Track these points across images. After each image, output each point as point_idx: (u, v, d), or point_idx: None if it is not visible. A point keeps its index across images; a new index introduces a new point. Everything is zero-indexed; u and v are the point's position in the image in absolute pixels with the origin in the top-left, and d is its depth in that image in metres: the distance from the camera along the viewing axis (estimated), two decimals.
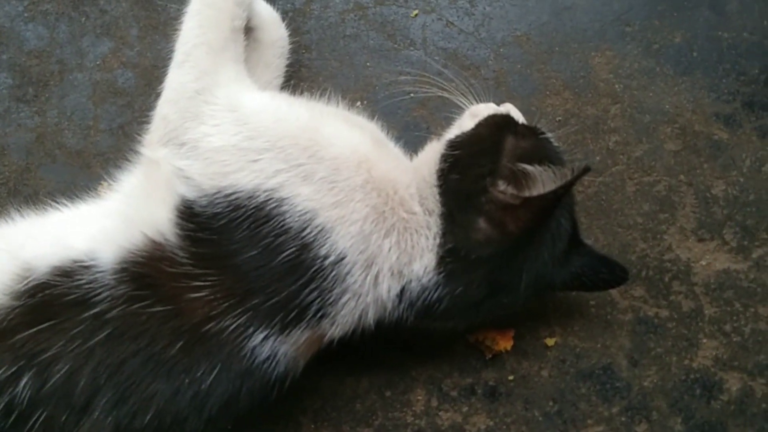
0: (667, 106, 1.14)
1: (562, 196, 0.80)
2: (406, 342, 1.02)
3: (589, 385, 1.06)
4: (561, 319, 1.07)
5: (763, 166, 1.12)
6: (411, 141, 1.05)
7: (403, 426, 1.03)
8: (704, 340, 1.07)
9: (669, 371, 1.06)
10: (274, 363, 0.84)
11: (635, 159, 1.12)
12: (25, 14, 1.12)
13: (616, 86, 1.14)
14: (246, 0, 0.98)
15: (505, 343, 1.04)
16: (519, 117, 1.00)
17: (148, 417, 0.79)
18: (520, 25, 1.15)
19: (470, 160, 0.88)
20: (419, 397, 1.05)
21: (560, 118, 1.12)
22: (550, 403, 1.05)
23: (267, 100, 0.90)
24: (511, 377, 1.05)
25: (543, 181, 0.80)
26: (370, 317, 0.87)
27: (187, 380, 0.80)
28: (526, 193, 0.80)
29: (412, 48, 1.13)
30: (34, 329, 0.78)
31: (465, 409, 1.04)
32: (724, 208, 1.11)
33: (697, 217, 1.11)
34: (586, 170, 0.77)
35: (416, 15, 1.14)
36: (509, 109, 1.02)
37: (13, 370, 0.77)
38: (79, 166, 1.08)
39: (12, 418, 0.77)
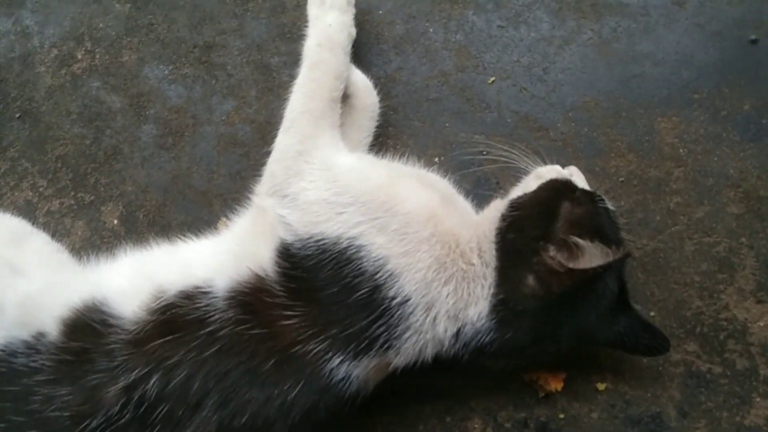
0: (731, 171, 1.19)
1: (602, 273, 0.91)
2: (466, 376, 1.15)
3: (638, 431, 1.13)
4: (612, 365, 1.15)
5: None
6: (481, 196, 1.19)
7: None
8: (757, 399, 1.11)
9: (719, 426, 1.11)
10: (347, 383, 0.99)
11: (696, 220, 1.18)
12: (170, 77, 1.37)
13: (681, 150, 1.21)
14: (344, 74, 1.17)
15: (556, 384, 1.14)
16: (581, 180, 1.11)
17: (244, 418, 0.97)
18: (589, 91, 1.25)
19: (527, 221, 1.00)
20: (476, 426, 1.17)
21: (623, 179, 1.21)
22: None
23: (354, 162, 1.07)
24: (561, 415, 1.15)
25: (590, 255, 0.91)
26: (429, 352, 1.01)
27: (276, 391, 0.97)
28: (572, 264, 0.91)
29: (487, 111, 1.26)
30: (163, 340, 0.99)
31: None
32: None
33: (756, 279, 1.15)
34: (626, 256, 0.89)
35: (493, 81, 1.27)
36: (573, 172, 1.12)
37: (146, 370, 0.97)
38: (203, 204, 1.31)
39: (142, 408, 0.97)
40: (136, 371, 0.97)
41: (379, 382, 1.06)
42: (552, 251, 0.95)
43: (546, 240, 0.96)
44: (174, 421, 0.97)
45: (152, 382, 0.97)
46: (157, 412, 0.96)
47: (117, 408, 0.96)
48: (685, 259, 1.17)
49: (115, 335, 1.01)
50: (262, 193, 1.10)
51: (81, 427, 0.97)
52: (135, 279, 1.08)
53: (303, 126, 1.11)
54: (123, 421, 0.97)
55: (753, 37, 1.22)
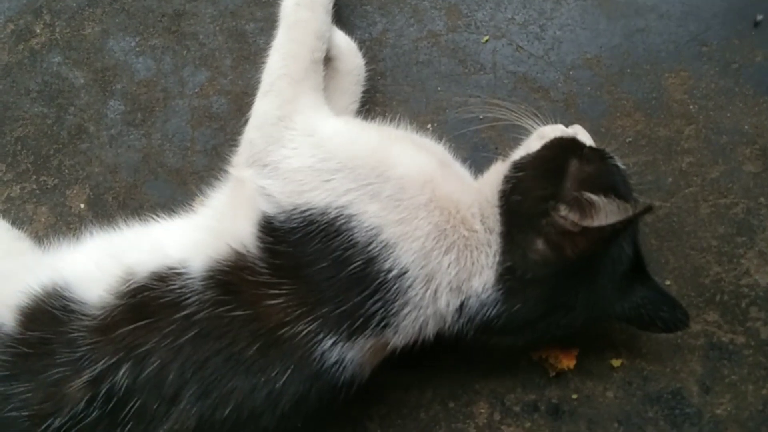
0: (746, 127, 1.11)
1: (621, 231, 0.81)
2: (470, 357, 1.06)
3: (657, 409, 1.04)
4: (627, 341, 1.07)
5: None
6: (479, 162, 1.09)
7: None
8: None
9: (744, 400, 1.03)
10: (341, 368, 0.90)
11: (710, 181, 1.10)
12: (137, 49, 1.27)
13: (691, 107, 1.12)
14: (325, 34, 1.07)
15: (568, 362, 1.05)
16: (587, 139, 1.02)
17: (227, 410, 0.87)
18: (591, 48, 1.16)
19: (533, 182, 0.91)
20: (482, 410, 1.08)
21: (630, 139, 1.12)
22: (615, 425, 1.04)
23: (341, 125, 0.97)
24: (574, 396, 1.06)
25: (606, 212, 0.82)
26: (430, 329, 0.91)
27: (263, 379, 0.87)
28: (587, 222, 0.82)
29: (482, 72, 1.17)
30: (133, 326, 0.89)
31: (528, 425, 1.06)
32: None
33: None
34: (648, 209, 0.79)
35: (487, 41, 1.18)
36: (577, 131, 1.04)
37: (114, 360, 0.87)
38: (177, 183, 1.20)
39: (111, 403, 0.87)
40: (103, 362, 0.87)
41: (376, 366, 0.97)
42: (563, 210, 0.86)
43: (556, 199, 0.87)
44: (148, 417, 0.87)
45: (121, 373, 0.87)
46: (129, 407, 0.87)
47: (82, 404, 0.87)
48: (700, 223, 1.09)
49: (78, 322, 0.91)
50: (239, 163, 1.00)
51: (42, 427, 0.87)
52: (101, 260, 0.97)
53: (283, 89, 1.01)
54: (90, 419, 0.87)
55: (759, 17, 1.14)
